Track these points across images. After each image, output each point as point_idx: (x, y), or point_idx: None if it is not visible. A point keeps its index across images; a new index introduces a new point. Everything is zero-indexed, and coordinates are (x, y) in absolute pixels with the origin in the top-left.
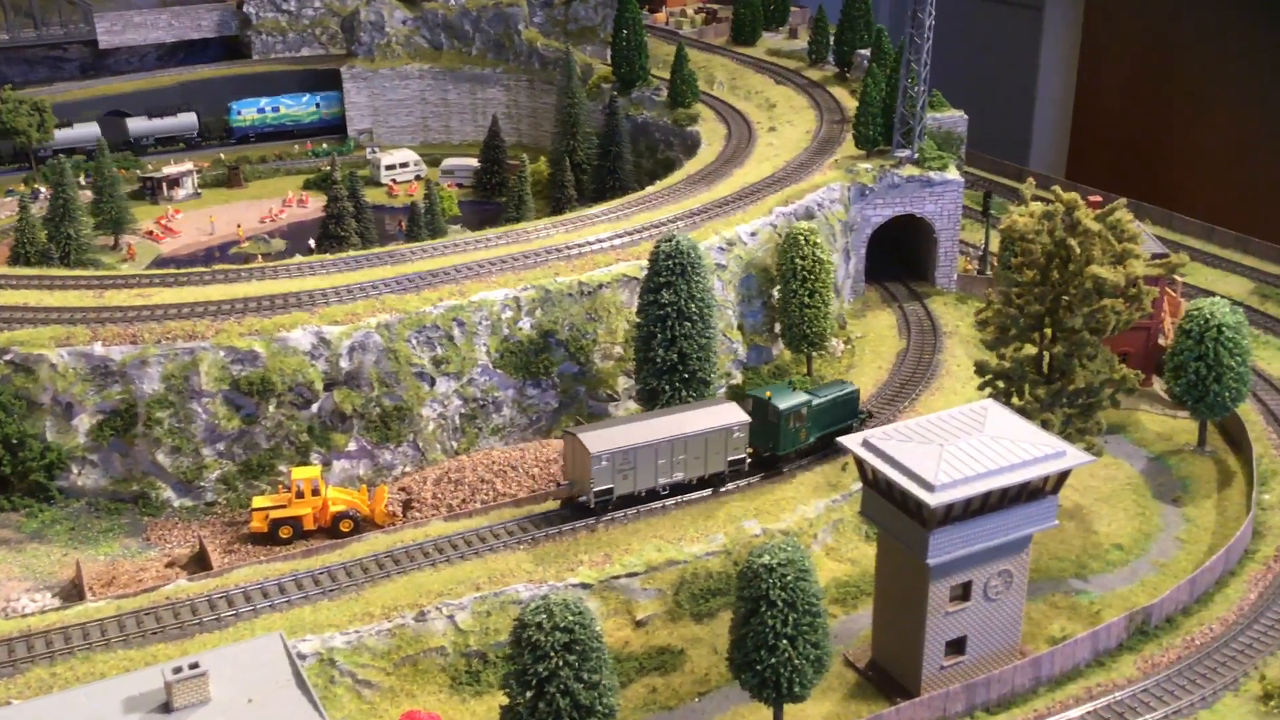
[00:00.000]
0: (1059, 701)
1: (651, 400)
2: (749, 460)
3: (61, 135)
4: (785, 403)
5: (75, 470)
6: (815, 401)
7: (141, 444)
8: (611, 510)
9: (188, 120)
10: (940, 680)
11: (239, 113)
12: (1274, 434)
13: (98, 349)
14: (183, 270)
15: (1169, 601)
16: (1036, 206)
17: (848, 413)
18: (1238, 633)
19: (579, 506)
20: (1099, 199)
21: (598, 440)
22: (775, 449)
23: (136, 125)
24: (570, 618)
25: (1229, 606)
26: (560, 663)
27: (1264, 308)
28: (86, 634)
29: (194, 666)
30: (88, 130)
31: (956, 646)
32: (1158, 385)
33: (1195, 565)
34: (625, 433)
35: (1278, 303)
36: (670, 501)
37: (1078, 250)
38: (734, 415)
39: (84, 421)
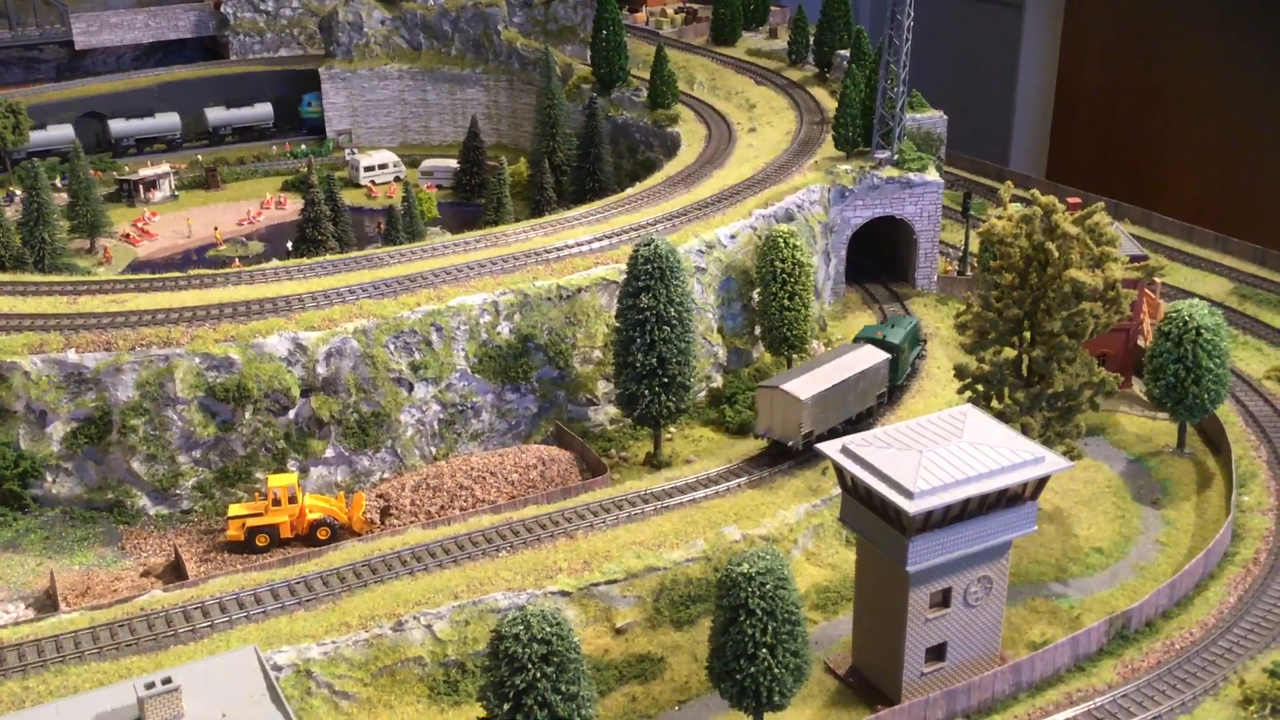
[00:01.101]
0: (1039, 707)
1: (631, 405)
2: (885, 393)
3: (142, 125)
4: (897, 337)
5: (49, 478)
6: (909, 333)
7: (116, 452)
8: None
9: (264, 110)
10: (920, 687)
11: (310, 104)
12: (1253, 435)
13: (71, 356)
14: (157, 275)
15: (1149, 605)
16: (1015, 209)
17: (918, 341)
18: (1217, 636)
19: (784, 451)
20: (1078, 200)
21: (801, 388)
22: (894, 379)
23: (215, 115)
24: (548, 629)
25: (1209, 610)
26: (538, 674)
27: (1243, 308)
28: (60, 646)
29: (166, 681)
30: (168, 120)
31: (936, 653)
32: (1137, 387)
33: (1175, 568)
34: (815, 379)
35: (1257, 303)
36: (649, 507)
37: (1056, 254)
38: (878, 355)
39: (58, 429)
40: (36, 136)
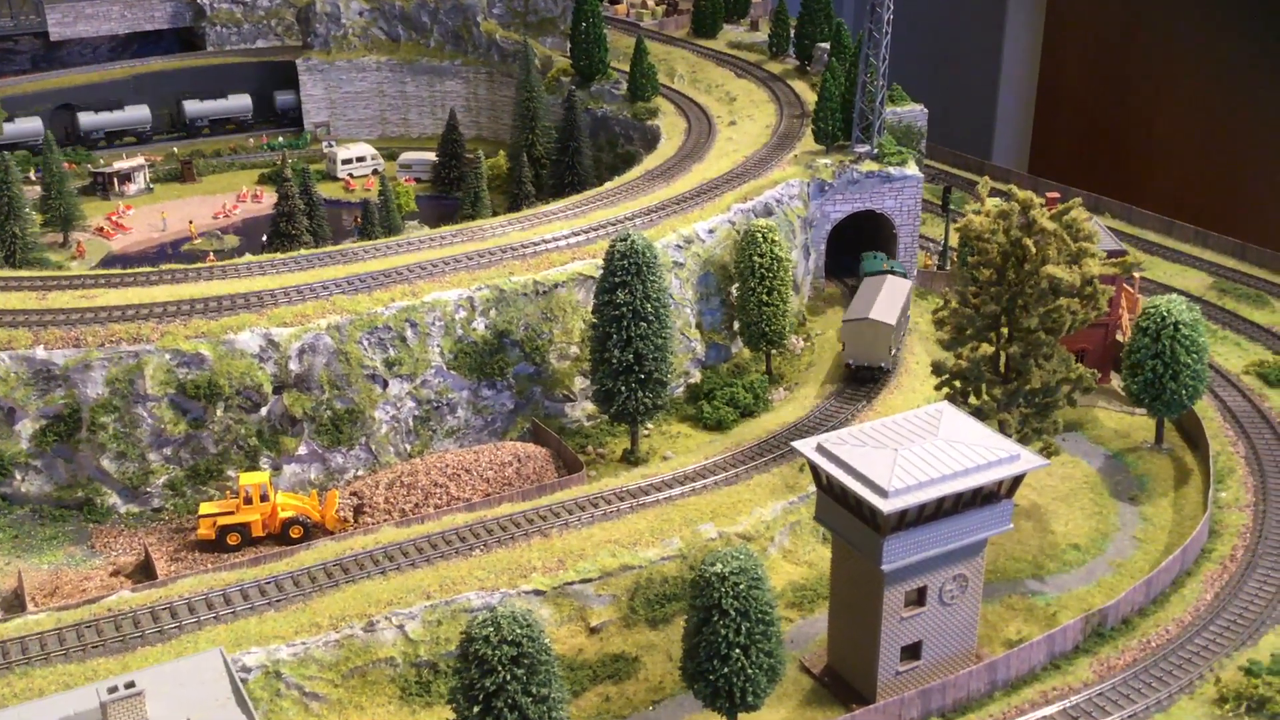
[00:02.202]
0: (1015, 706)
1: (608, 401)
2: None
3: (216, 106)
4: (901, 268)
5: (18, 476)
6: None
7: (86, 449)
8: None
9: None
10: (896, 686)
11: None
12: (1231, 431)
13: (40, 352)
14: (128, 271)
15: (1125, 603)
16: (993, 204)
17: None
18: (1193, 634)
19: (875, 373)
20: (1056, 195)
21: (884, 314)
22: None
23: (284, 99)
24: (518, 631)
25: (1185, 607)
26: (508, 677)
27: (1222, 303)
28: (25, 648)
29: (130, 686)
30: (240, 102)
31: (912, 652)
32: (1115, 383)
33: (1152, 565)
34: (887, 306)
35: (1236, 298)
36: (625, 505)
37: (1033, 250)
38: (905, 282)
39: (27, 427)
40: (6, 129)
